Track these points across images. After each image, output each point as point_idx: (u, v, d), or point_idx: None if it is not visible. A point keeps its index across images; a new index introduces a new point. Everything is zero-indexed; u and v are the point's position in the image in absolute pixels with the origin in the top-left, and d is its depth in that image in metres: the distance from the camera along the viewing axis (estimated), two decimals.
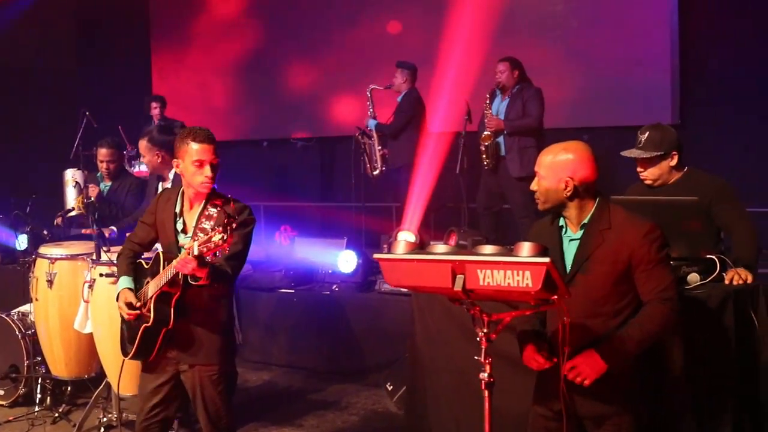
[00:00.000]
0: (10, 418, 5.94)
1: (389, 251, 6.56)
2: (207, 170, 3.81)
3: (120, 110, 10.62)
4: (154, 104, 10.06)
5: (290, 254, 7.69)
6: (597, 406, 3.33)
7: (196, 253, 3.42)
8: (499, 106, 7.61)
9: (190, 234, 3.85)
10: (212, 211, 3.75)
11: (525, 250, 2.76)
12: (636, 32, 8.80)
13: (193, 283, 3.67)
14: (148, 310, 3.81)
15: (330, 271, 7.11)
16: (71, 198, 6.59)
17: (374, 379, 6.50)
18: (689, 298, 3.84)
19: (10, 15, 11.09)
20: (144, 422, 4.06)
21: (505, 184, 7.60)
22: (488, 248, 2.85)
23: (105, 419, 5.65)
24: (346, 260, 6.95)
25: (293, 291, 7.04)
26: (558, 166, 3.32)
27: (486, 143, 7.46)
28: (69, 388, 6.13)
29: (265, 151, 11.53)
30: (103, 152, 6.68)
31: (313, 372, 6.90)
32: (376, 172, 8.41)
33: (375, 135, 8.34)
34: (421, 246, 6.39)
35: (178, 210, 3.96)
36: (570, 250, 3.37)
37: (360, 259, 6.88)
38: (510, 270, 2.76)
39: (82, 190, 6.57)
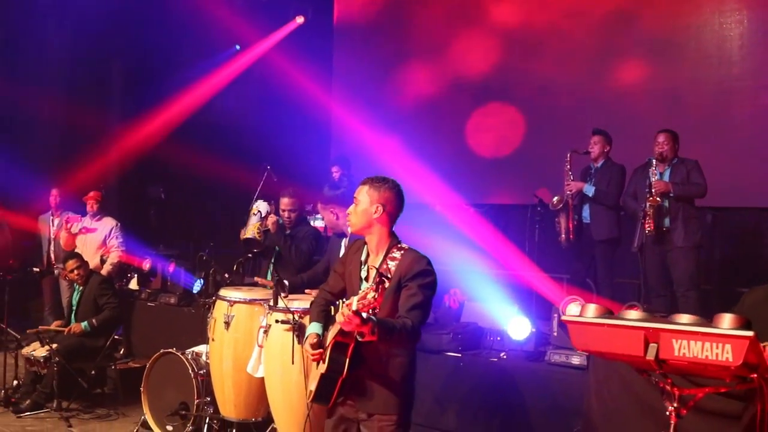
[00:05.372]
0: None
1: (560, 321, 6.45)
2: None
3: (300, 167, 10.90)
4: (334, 169, 10.24)
5: (458, 318, 7.58)
6: None
7: (354, 308, 3.39)
8: (658, 176, 7.39)
9: (371, 282, 3.85)
10: (391, 264, 3.76)
11: (726, 321, 2.60)
12: None
13: (360, 339, 3.60)
14: (325, 358, 3.82)
15: (498, 338, 6.95)
16: (251, 226, 6.81)
17: None
18: None
19: None
20: None
21: (669, 254, 7.39)
22: (685, 317, 2.71)
23: None
24: (518, 326, 6.78)
25: (460, 355, 6.92)
26: None
27: (653, 206, 7.25)
28: (234, 431, 6.25)
29: (437, 215, 11.54)
30: (285, 201, 6.86)
31: None
32: (563, 239, 8.22)
33: (569, 202, 8.12)
34: None
35: (363, 258, 4.00)
36: None
37: (533, 327, 6.70)
38: (709, 342, 2.60)
39: (262, 218, 6.80)
